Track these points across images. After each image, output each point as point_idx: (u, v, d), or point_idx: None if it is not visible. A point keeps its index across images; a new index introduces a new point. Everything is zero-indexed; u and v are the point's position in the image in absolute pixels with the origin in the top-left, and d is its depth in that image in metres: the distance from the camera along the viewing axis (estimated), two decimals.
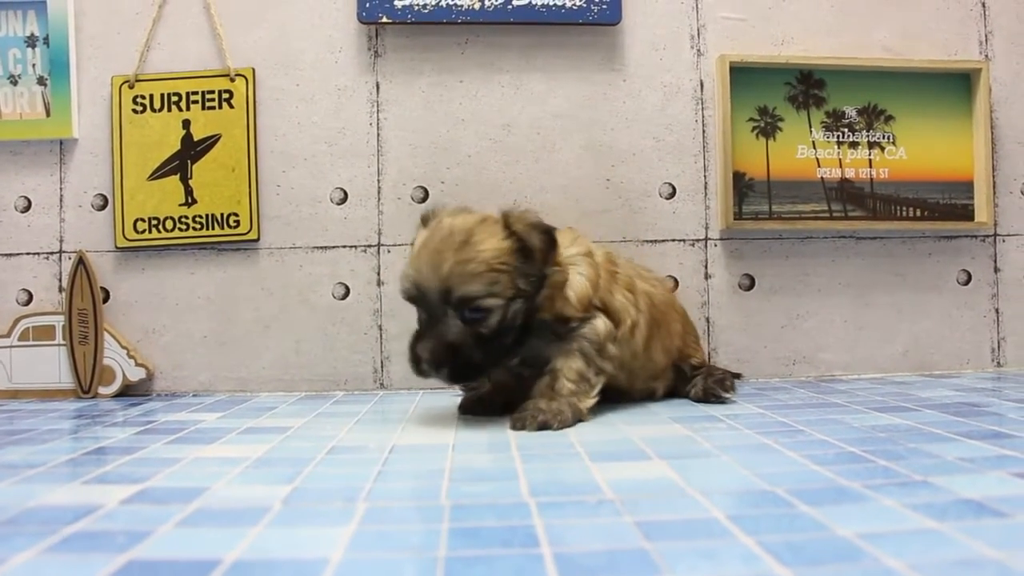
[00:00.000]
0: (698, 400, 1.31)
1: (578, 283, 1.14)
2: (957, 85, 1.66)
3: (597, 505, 0.68)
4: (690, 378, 1.36)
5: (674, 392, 1.37)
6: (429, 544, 0.59)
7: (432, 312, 1.07)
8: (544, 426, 1.07)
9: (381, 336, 1.54)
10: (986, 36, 1.68)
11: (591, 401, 1.14)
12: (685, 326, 1.43)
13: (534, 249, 1.07)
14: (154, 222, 1.52)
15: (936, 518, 0.62)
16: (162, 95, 1.52)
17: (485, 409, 1.21)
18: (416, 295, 1.08)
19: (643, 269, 1.39)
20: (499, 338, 1.07)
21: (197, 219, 1.52)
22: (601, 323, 1.15)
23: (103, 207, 1.54)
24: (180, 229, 1.52)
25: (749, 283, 1.60)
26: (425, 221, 1.17)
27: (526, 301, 1.08)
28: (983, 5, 1.68)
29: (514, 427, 1.08)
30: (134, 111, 1.52)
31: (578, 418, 1.12)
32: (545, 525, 0.63)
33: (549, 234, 1.10)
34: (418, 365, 1.07)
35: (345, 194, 1.55)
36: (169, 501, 0.72)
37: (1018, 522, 0.61)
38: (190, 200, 1.52)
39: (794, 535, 0.59)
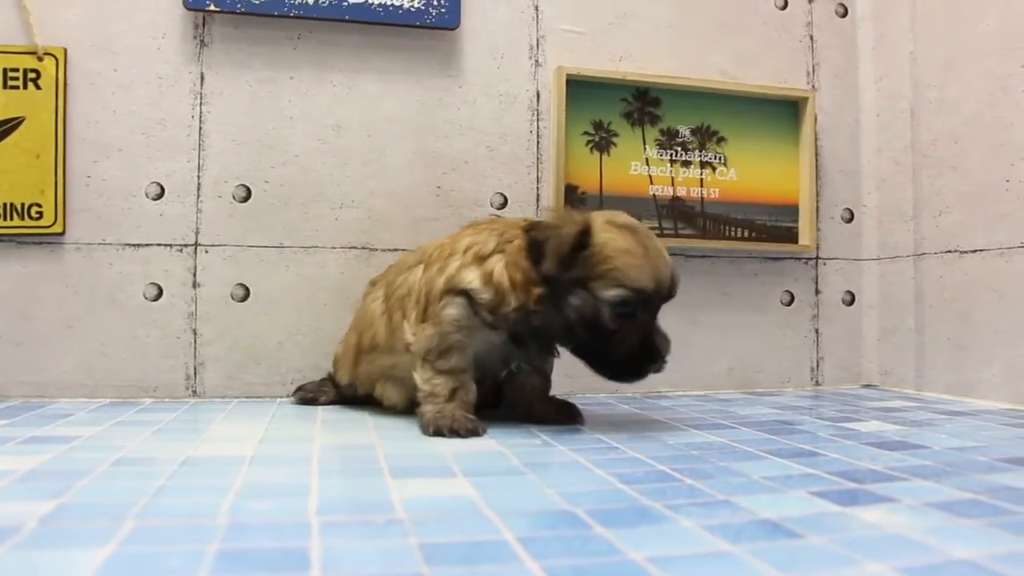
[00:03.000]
0: None
1: None
2: (786, 112, 1.71)
3: (385, 525, 0.64)
4: None
5: None
6: (188, 569, 0.53)
7: (653, 312, 1.09)
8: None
9: (195, 341, 1.45)
10: (813, 67, 1.74)
11: None
12: None
13: None
14: None
15: (730, 540, 0.61)
16: None
17: (466, 431, 1.08)
18: (653, 295, 1.07)
19: None
20: None
21: None
22: None
23: None
24: None
25: None
26: (588, 224, 1.07)
27: None
28: (811, 38, 1.74)
29: (574, 420, 1.21)
30: None
31: None
32: (323, 547, 0.58)
33: None
34: (660, 361, 1.10)
35: (162, 189, 1.46)
36: None
37: (809, 543, 0.60)
38: None
39: (583, 559, 0.56)
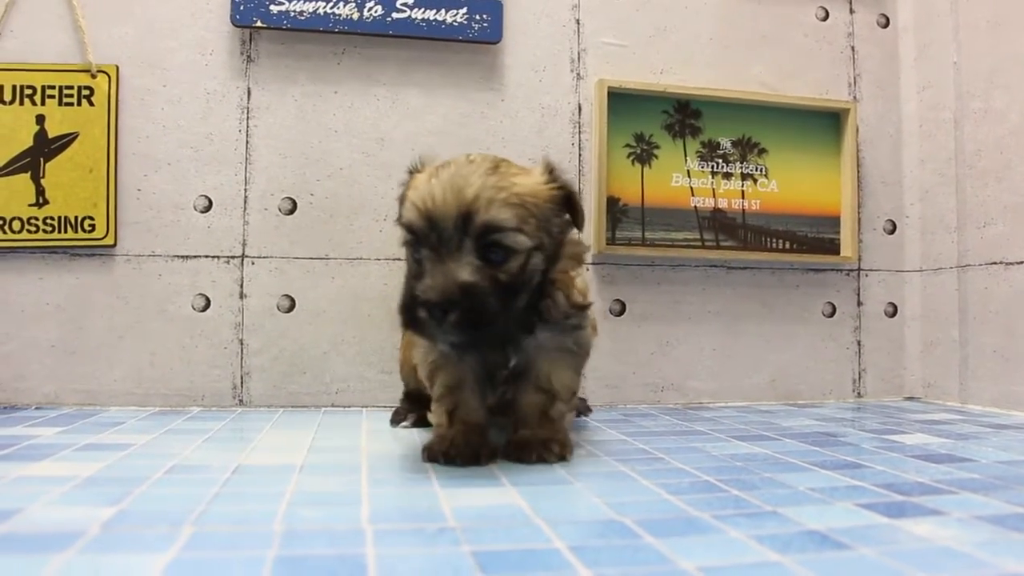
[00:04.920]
0: None
1: (581, 273, 1.03)
2: (827, 123, 1.71)
3: (437, 534, 0.65)
4: None
5: None
6: (250, 573, 0.55)
7: (443, 246, 0.87)
8: (563, 458, 0.96)
9: (242, 351, 1.48)
10: (855, 78, 1.74)
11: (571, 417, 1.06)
12: None
13: (577, 207, 0.96)
14: (0, 222, 1.42)
15: (779, 550, 0.61)
16: (14, 87, 1.42)
17: (463, 457, 0.94)
18: (422, 226, 0.88)
19: None
20: (519, 294, 0.90)
21: (48, 221, 1.43)
22: (592, 319, 1.03)
23: None
24: (29, 231, 1.43)
25: (620, 308, 1.60)
26: (415, 171, 0.97)
27: (544, 262, 0.93)
28: (852, 49, 1.74)
29: (526, 460, 0.95)
30: None
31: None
32: (377, 554, 0.59)
33: (582, 211, 0.98)
34: (413, 311, 0.86)
35: (210, 202, 1.49)
36: None
37: (858, 555, 0.61)
38: (42, 200, 1.43)
39: (635, 568, 0.57)
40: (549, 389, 1.00)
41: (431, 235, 0.88)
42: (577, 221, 0.97)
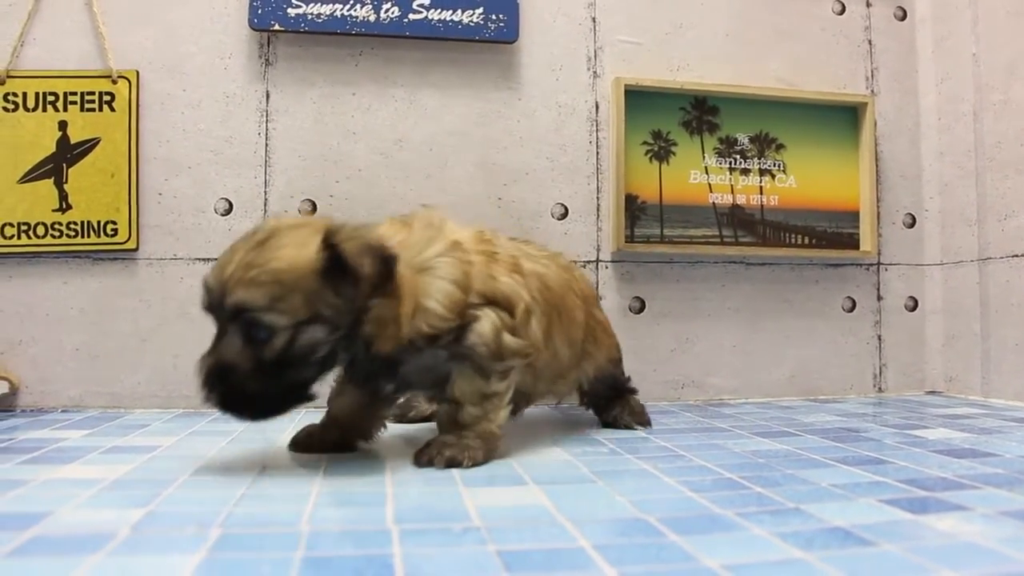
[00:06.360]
0: (608, 425, 1.28)
1: (441, 290, 0.96)
2: (845, 118, 1.70)
3: (462, 533, 0.66)
4: (606, 400, 1.30)
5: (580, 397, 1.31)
6: (279, 574, 0.56)
7: (220, 324, 0.90)
8: (453, 463, 0.94)
9: None
10: (872, 72, 1.73)
11: (503, 413, 1.01)
12: (589, 313, 1.25)
13: (360, 276, 0.87)
14: (24, 227, 1.44)
15: (803, 547, 0.61)
16: (37, 94, 1.44)
17: (317, 445, 1.05)
18: (204, 304, 0.91)
19: (533, 246, 1.20)
20: (290, 369, 0.89)
21: (72, 226, 1.45)
22: (487, 322, 0.98)
23: None
24: (53, 236, 1.44)
25: (640, 306, 1.60)
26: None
27: (339, 330, 0.90)
28: (869, 43, 1.73)
29: (418, 463, 0.95)
30: (5, 109, 1.43)
31: (491, 449, 0.99)
32: (404, 554, 0.60)
33: (387, 263, 0.89)
34: (202, 384, 0.89)
35: (230, 205, 1.50)
36: (4, 527, 0.66)
37: (882, 551, 0.61)
38: (65, 206, 1.45)
39: (659, 566, 0.57)
40: (453, 398, 1.00)
41: (211, 312, 0.91)
42: (359, 290, 0.88)
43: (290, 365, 0.88)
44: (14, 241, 1.43)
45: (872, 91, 1.73)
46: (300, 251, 0.87)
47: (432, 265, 0.97)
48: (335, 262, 0.87)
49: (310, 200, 1.51)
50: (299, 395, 0.92)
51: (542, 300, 1.09)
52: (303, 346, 0.88)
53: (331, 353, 0.91)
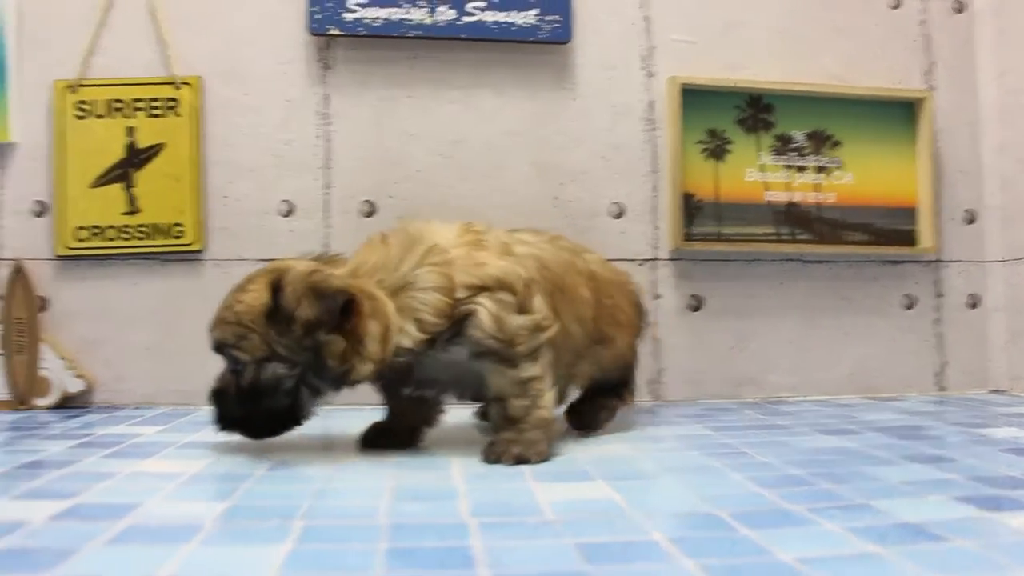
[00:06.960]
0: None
1: (423, 301, 0.97)
2: (902, 113, 1.69)
3: (538, 526, 0.67)
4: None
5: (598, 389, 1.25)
6: (365, 564, 0.57)
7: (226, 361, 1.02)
8: (521, 460, 0.95)
9: None
10: (929, 67, 1.72)
11: (550, 396, 1.01)
12: (599, 291, 1.20)
13: (294, 319, 0.92)
14: (96, 231, 1.48)
15: (876, 542, 0.62)
16: (106, 101, 1.49)
17: (388, 441, 1.09)
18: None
19: (531, 234, 1.17)
20: (264, 398, 0.97)
21: (141, 228, 1.49)
22: (483, 312, 0.97)
23: (42, 214, 1.49)
24: (123, 238, 1.49)
25: (697, 304, 1.60)
26: None
27: (297, 367, 0.96)
28: (926, 37, 1.72)
29: (487, 460, 0.97)
30: (77, 116, 1.48)
31: (551, 436, 1.00)
32: (483, 546, 0.61)
33: (330, 306, 0.92)
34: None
35: (292, 207, 1.53)
36: (99, 518, 0.69)
37: (956, 547, 0.61)
38: (133, 209, 1.49)
39: (735, 559, 0.58)
40: (495, 396, 1.00)
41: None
42: (300, 327, 0.93)
43: (262, 395, 0.97)
44: (87, 244, 1.48)
45: (930, 86, 1.71)
46: (258, 296, 0.96)
47: (408, 281, 0.98)
48: (273, 306, 0.95)
49: (370, 201, 1.54)
50: (287, 418, 1.00)
51: (540, 278, 1.07)
52: (267, 380, 0.96)
53: (300, 385, 0.98)
